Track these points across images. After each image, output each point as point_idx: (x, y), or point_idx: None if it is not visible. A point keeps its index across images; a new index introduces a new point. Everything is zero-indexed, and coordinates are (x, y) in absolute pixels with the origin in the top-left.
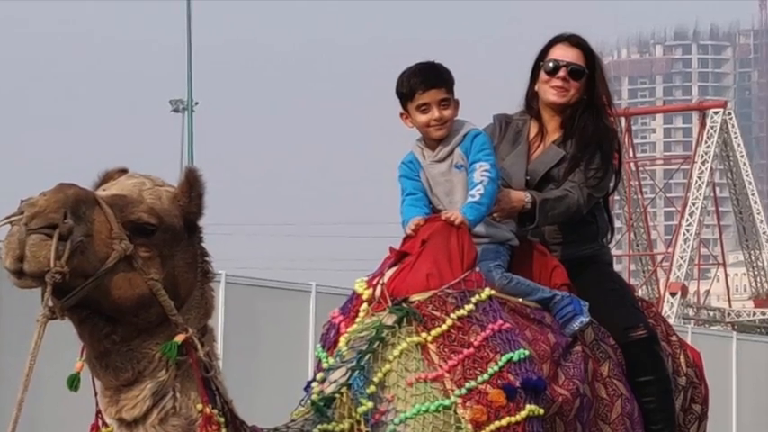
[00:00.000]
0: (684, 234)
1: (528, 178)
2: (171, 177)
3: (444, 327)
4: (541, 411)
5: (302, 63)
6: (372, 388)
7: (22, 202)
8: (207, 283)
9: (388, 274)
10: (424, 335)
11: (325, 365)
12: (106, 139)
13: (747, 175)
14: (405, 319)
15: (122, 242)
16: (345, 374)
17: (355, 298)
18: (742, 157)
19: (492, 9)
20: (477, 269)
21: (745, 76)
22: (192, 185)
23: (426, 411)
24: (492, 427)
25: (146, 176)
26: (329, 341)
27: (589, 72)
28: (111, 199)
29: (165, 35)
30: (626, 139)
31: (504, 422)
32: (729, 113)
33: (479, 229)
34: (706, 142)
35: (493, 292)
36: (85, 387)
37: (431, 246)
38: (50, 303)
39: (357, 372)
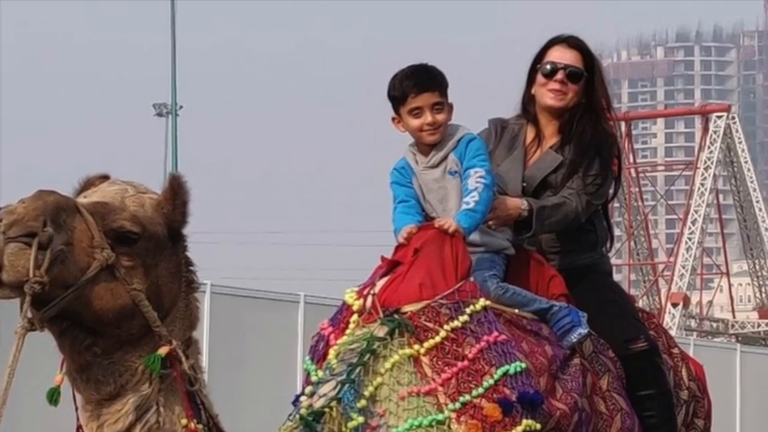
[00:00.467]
0: (686, 243)
1: (524, 185)
2: (154, 184)
3: (438, 339)
4: (538, 426)
5: (292, 65)
6: (363, 402)
7: None
8: (192, 293)
9: (380, 284)
10: (416, 347)
11: (314, 379)
12: (87, 144)
13: (752, 182)
14: (397, 331)
15: (104, 251)
16: (335, 388)
17: (345, 309)
18: (746, 162)
19: (487, 9)
20: (472, 279)
21: (749, 79)
22: (177, 192)
23: (419, 426)
24: None
25: (128, 183)
26: (318, 353)
27: (588, 75)
28: (92, 206)
29: (148, 35)
30: (626, 144)
31: None
32: (733, 117)
33: (474, 237)
34: (709, 147)
35: (488, 302)
36: (66, 401)
37: (424, 255)
38: (29, 314)
39: (347, 385)
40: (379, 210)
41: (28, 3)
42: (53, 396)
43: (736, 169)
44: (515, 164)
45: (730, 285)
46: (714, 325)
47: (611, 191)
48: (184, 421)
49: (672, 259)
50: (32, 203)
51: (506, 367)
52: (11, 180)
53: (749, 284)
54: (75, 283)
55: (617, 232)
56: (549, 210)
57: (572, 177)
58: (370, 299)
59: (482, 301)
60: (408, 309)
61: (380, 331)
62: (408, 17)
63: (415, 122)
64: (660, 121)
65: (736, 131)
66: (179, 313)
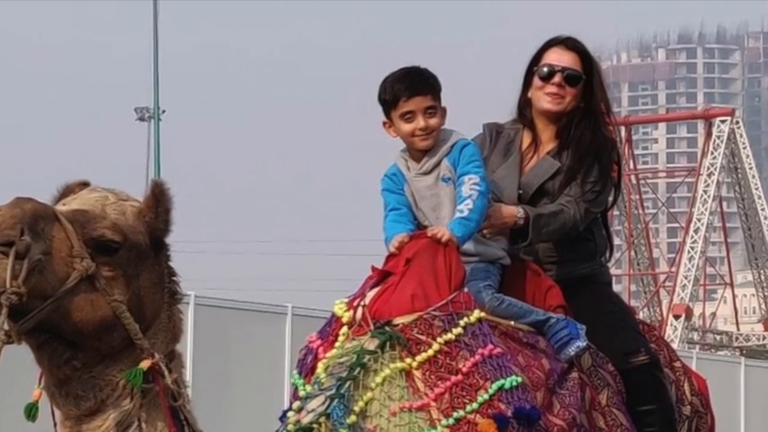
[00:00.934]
0: (689, 252)
1: (520, 192)
2: (136, 191)
3: (430, 352)
4: None
5: (279, 68)
6: (353, 418)
7: None
8: (175, 304)
9: (370, 295)
10: (408, 360)
11: (302, 393)
12: (66, 149)
13: (757, 189)
14: (388, 344)
15: (84, 261)
16: (324, 403)
17: (334, 321)
18: (751, 169)
19: (481, 9)
20: (466, 290)
21: (754, 82)
22: (159, 200)
23: None
24: None
25: (109, 190)
26: (306, 367)
27: (586, 78)
28: (71, 214)
29: (129, 38)
30: (626, 150)
31: None
32: (737, 122)
33: (468, 246)
34: (712, 153)
35: (483, 314)
36: (44, 417)
37: (416, 265)
38: (6, 327)
39: (336, 400)
40: (369, 218)
41: (3, 3)
42: (31, 411)
43: (740, 176)
44: (511, 170)
45: (734, 296)
46: (718, 338)
47: (610, 198)
48: None
49: (674, 269)
50: (9, 211)
51: (502, 381)
52: None
53: (754, 295)
54: (54, 293)
55: (617, 241)
56: (546, 218)
57: (570, 184)
58: (360, 310)
59: (476, 313)
60: (400, 321)
61: (371, 344)
62: (402, 19)
63: (406, 127)
64: (661, 126)
65: (741, 136)
66: (162, 325)
